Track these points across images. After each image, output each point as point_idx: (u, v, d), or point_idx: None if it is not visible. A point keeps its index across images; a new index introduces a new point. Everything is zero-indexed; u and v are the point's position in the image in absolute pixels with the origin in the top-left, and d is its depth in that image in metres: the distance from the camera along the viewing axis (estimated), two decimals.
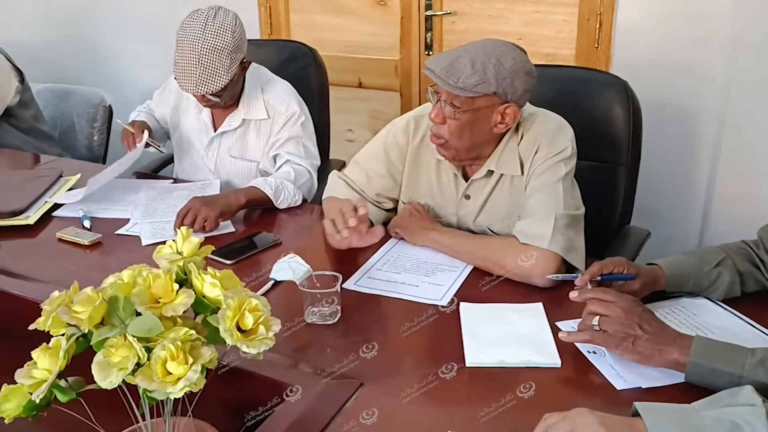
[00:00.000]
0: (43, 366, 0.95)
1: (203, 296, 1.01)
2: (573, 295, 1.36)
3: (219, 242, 1.83)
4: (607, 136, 2.11)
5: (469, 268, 1.66)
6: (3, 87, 2.81)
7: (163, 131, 2.47)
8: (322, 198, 1.97)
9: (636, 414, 1.04)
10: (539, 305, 1.49)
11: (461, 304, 1.50)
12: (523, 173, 1.72)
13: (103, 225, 1.96)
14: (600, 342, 1.28)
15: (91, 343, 0.95)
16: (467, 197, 1.80)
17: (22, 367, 0.96)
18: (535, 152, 1.69)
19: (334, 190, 1.92)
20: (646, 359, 1.24)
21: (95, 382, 0.91)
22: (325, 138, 2.67)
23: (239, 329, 0.97)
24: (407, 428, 1.17)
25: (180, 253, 1.06)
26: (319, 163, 2.30)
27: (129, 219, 2.01)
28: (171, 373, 0.91)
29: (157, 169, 2.58)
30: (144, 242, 1.86)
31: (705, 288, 1.49)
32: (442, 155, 1.74)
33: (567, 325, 1.41)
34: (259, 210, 2.08)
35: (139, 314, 0.95)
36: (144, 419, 0.99)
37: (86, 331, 0.94)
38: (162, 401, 0.96)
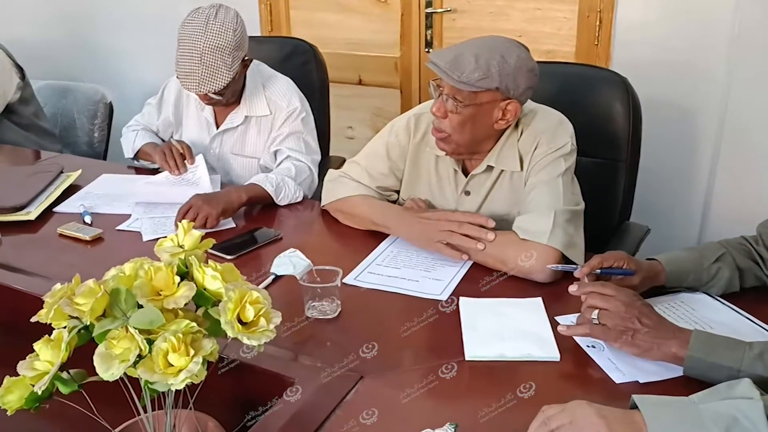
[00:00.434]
0: (45, 358, 0.95)
1: (204, 289, 1.01)
2: (572, 288, 1.37)
3: (220, 237, 1.82)
4: (607, 132, 2.11)
5: (469, 263, 1.66)
6: (4, 84, 2.82)
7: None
8: (324, 201, 1.97)
9: (634, 407, 1.05)
10: (539, 300, 1.50)
11: (461, 298, 1.51)
12: (522, 169, 1.72)
13: (103, 220, 1.97)
14: (599, 335, 1.29)
15: (92, 335, 0.95)
16: (467, 193, 1.81)
17: (24, 360, 0.97)
18: (535, 148, 1.70)
19: (338, 191, 1.91)
20: (644, 353, 1.24)
21: (97, 374, 0.92)
22: (326, 135, 2.67)
23: (240, 321, 0.97)
24: (407, 422, 1.18)
25: (181, 246, 1.07)
26: (319, 158, 2.31)
27: (129, 215, 2.01)
28: (172, 365, 0.92)
29: (158, 168, 2.58)
30: (145, 238, 1.87)
31: (704, 283, 1.49)
32: (442, 149, 1.75)
33: (566, 320, 1.42)
34: (259, 205, 2.09)
35: (140, 306, 0.95)
36: (145, 411, 1.00)
37: (88, 324, 0.95)
38: (163, 393, 0.96)
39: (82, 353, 0.97)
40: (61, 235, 1.90)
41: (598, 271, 1.47)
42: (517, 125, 1.73)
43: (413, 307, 1.50)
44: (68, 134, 3.10)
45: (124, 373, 0.92)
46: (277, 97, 2.26)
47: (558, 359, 1.31)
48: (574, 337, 1.35)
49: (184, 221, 1.10)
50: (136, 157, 2.38)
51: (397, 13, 3.28)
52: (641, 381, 1.24)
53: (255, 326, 0.98)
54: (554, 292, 1.53)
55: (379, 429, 1.15)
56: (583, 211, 1.68)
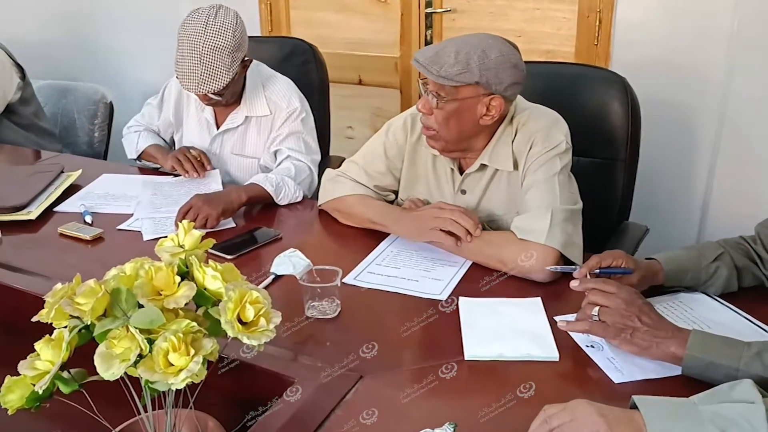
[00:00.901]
0: (46, 357, 0.95)
1: (204, 289, 1.01)
2: (574, 284, 1.37)
3: (220, 237, 1.83)
4: (606, 132, 2.12)
5: (468, 263, 1.67)
6: (4, 83, 2.82)
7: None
8: (321, 200, 1.97)
9: (634, 407, 1.05)
10: (538, 299, 1.50)
11: (460, 298, 1.51)
12: (516, 169, 1.73)
13: (104, 220, 1.97)
14: (598, 332, 1.29)
15: (93, 335, 0.95)
16: (463, 192, 1.81)
17: (25, 359, 0.97)
18: (530, 148, 1.70)
19: (335, 191, 1.92)
20: (643, 351, 1.25)
21: (97, 374, 0.92)
22: (326, 135, 2.67)
23: (240, 321, 0.98)
24: (407, 422, 1.18)
25: (182, 246, 1.07)
26: (319, 158, 2.31)
27: (130, 214, 2.02)
28: (173, 365, 0.92)
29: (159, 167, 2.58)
30: (145, 237, 1.87)
31: (702, 282, 1.49)
32: (432, 146, 1.76)
33: (566, 319, 1.42)
34: (259, 205, 2.09)
35: (141, 306, 0.96)
36: (146, 411, 1.00)
37: (89, 323, 0.95)
38: (164, 393, 0.97)
39: (82, 353, 0.97)
40: (61, 234, 1.90)
41: (597, 271, 1.47)
42: (511, 124, 1.73)
43: (413, 307, 1.50)
44: (68, 134, 3.10)
45: (125, 373, 0.92)
46: (277, 98, 2.26)
47: (557, 359, 1.31)
48: (573, 337, 1.36)
49: (185, 221, 1.10)
50: (140, 157, 2.38)
51: (397, 13, 3.29)
52: (639, 380, 1.24)
53: (255, 326, 0.98)
54: (553, 292, 1.53)
55: (378, 429, 1.15)
56: (581, 210, 1.69)
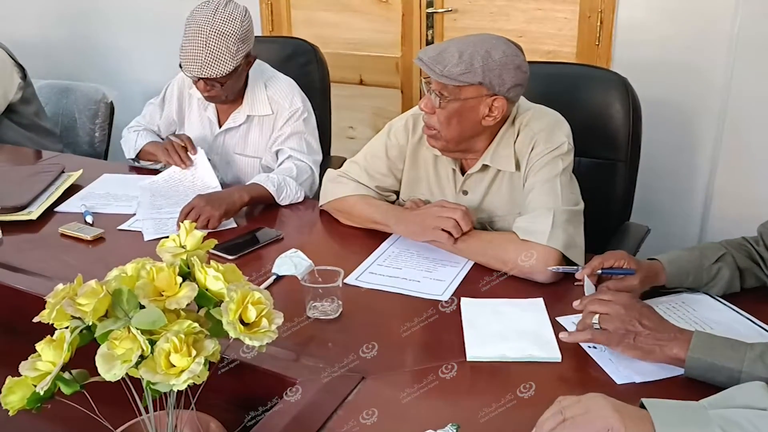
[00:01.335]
0: (47, 358, 0.95)
1: (206, 289, 1.01)
2: (576, 304, 1.36)
3: (221, 238, 1.83)
4: (607, 133, 2.12)
5: (470, 264, 1.67)
6: (5, 83, 2.82)
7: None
8: (322, 200, 1.97)
9: (643, 408, 1.05)
10: (540, 300, 1.50)
11: (462, 299, 1.51)
12: (518, 170, 1.73)
13: (105, 220, 1.97)
14: (601, 340, 1.29)
15: (95, 336, 0.95)
16: (465, 192, 1.81)
17: (26, 360, 0.97)
18: (532, 149, 1.70)
19: (336, 191, 1.91)
20: (646, 355, 1.24)
21: (99, 375, 0.92)
22: (327, 135, 2.67)
23: (242, 322, 0.98)
24: (409, 423, 1.18)
25: (183, 247, 1.07)
26: (320, 158, 2.31)
27: (130, 214, 2.01)
28: (174, 366, 0.92)
29: (160, 168, 2.58)
30: (146, 237, 1.87)
31: (705, 283, 1.49)
32: (433, 146, 1.76)
33: (567, 321, 1.42)
34: (261, 206, 2.09)
35: (142, 307, 0.95)
36: (147, 412, 1.00)
37: (90, 324, 0.95)
38: (165, 394, 0.96)
39: (84, 353, 0.97)
40: (62, 234, 1.90)
41: (599, 271, 1.47)
42: (513, 125, 1.73)
43: (414, 308, 1.50)
44: (69, 134, 3.10)
45: (126, 374, 0.92)
46: (279, 97, 2.26)
47: (559, 360, 1.31)
48: None
49: (187, 221, 1.10)
50: (138, 158, 2.38)
51: (398, 13, 3.28)
52: (641, 381, 1.24)
53: (257, 327, 0.98)
54: (555, 293, 1.53)
55: (380, 430, 1.15)
56: (582, 210, 1.68)
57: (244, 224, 1.97)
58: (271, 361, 1.26)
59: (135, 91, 3.67)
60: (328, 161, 2.50)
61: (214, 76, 2.06)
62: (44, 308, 0.99)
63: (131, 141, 2.39)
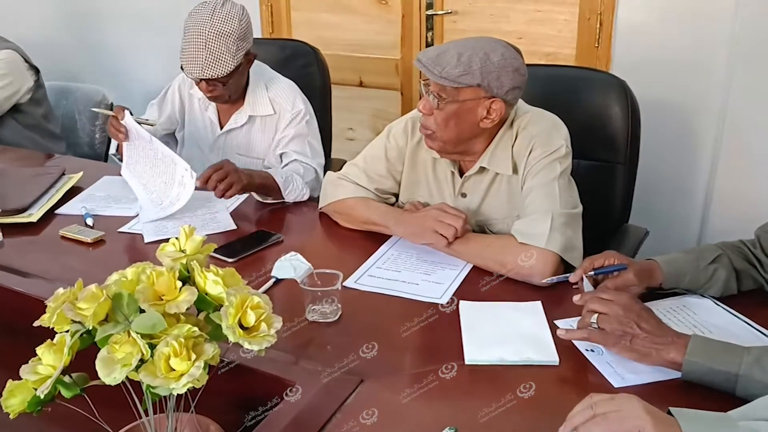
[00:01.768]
0: (48, 362, 0.96)
1: (206, 293, 1.02)
2: (576, 298, 1.37)
3: (221, 240, 1.84)
4: (606, 135, 2.12)
5: (469, 267, 1.67)
6: (17, 84, 2.84)
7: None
8: (322, 203, 1.97)
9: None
10: (538, 303, 1.51)
11: (461, 302, 1.52)
12: (516, 173, 1.73)
13: (105, 222, 1.97)
14: (598, 340, 1.29)
15: (95, 340, 0.96)
16: (463, 195, 1.82)
17: (27, 363, 0.98)
18: (530, 152, 1.70)
19: (336, 193, 1.92)
20: (643, 358, 1.25)
21: (99, 378, 0.92)
22: (327, 137, 2.68)
23: (241, 326, 0.98)
24: (408, 426, 1.19)
25: (183, 251, 1.07)
26: (324, 162, 2.33)
27: (131, 216, 2.02)
28: (174, 370, 0.92)
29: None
30: (147, 239, 1.88)
31: (701, 285, 1.50)
32: (430, 147, 1.77)
33: (566, 324, 1.42)
34: (260, 208, 2.10)
35: (142, 311, 0.96)
36: (147, 415, 1.01)
37: (90, 328, 0.96)
38: (165, 397, 0.97)
39: (84, 357, 0.98)
40: (63, 237, 1.90)
41: (592, 272, 1.48)
42: (512, 128, 1.74)
43: (413, 311, 1.51)
44: (70, 135, 3.11)
45: (126, 377, 0.92)
46: (281, 99, 2.27)
47: (557, 363, 1.31)
48: (573, 341, 1.36)
49: (186, 226, 1.10)
50: (118, 149, 2.30)
51: (398, 15, 3.29)
52: (638, 384, 1.24)
53: (256, 331, 0.99)
54: (554, 297, 1.54)
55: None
56: (581, 214, 1.69)
57: (244, 227, 1.97)
58: (270, 363, 1.27)
59: (136, 92, 3.67)
60: (328, 164, 2.51)
61: (216, 76, 2.07)
62: (45, 311, 0.99)
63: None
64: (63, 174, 2.27)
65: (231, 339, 0.97)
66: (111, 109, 3.02)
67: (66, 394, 0.98)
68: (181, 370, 0.92)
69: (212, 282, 1.02)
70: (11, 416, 0.97)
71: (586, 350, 1.34)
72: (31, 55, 2.96)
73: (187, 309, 0.98)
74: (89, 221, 1.97)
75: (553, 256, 1.57)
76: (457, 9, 3.16)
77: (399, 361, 1.35)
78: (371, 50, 3.42)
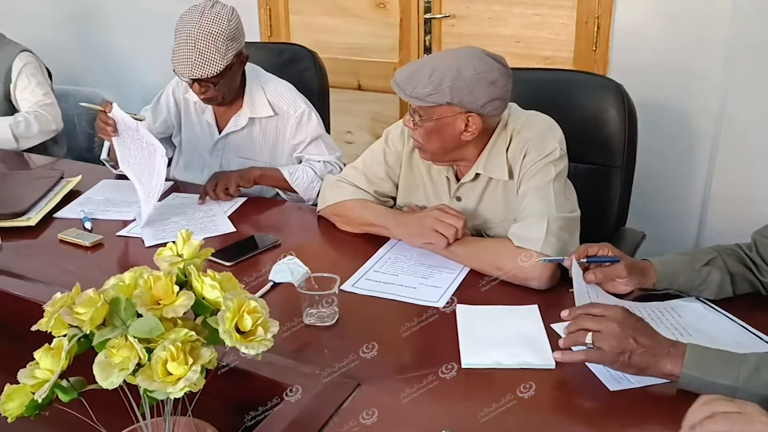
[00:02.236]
0: (45, 366, 0.96)
1: (203, 298, 1.02)
2: (564, 313, 1.33)
3: (219, 244, 1.85)
4: (603, 139, 2.12)
5: (466, 270, 1.68)
6: (43, 84, 2.88)
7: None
8: (320, 205, 1.97)
9: None
10: (535, 307, 1.51)
11: (458, 306, 1.52)
12: (511, 178, 1.74)
13: (103, 226, 1.98)
14: (596, 360, 1.26)
15: (92, 344, 0.96)
16: (458, 199, 1.82)
17: (25, 367, 0.98)
18: (524, 156, 1.71)
19: (335, 196, 1.93)
20: (641, 371, 1.23)
21: (96, 382, 0.93)
22: None
23: (238, 330, 0.99)
24: (406, 428, 1.19)
25: (180, 256, 1.08)
26: (341, 153, 2.39)
27: (129, 220, 2.02)
28: (171, 374, 0.93)
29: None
30: (147, 243, 1.88)
31: (696, 286, 1.50)
32: (422, 157, 1.79)
33: (562, 327, 1.41)
34: (258, 212, 2.10)
35: (140, 315, 0.96)
36: (144, 419, 1.01)
37: (88, 332, 0.96)
38: (162, 401, 0.97)
39: (81, 361, 0.98)
40: (61, 240, 1.91)
41: (584, 260, 1.49)
42: (506, 131, 1.74)
43: (411, 313, 1.51)
44: (68, 139, 3.11)
45: (124, 381, 0.93)
46: (281, 102, 2.28)
47: (553, 367, 1.32)
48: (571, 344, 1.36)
49: (183, 231, 1.11)
50: (108, 155, 2.34)
51: (396, 19, 3.30)
52: (635, 387, 1.25)
53: (253, 335, 0.99)
54: (550, 300, 1.54)
55: None
56: (578, 218, 1.69)
57: (243, 229, 1.98)
58: (267, 367, 1.27)
59: (135, 95, 3.68)
60: None
61: (206, 76, 2.08)
62: (43, 315, 1.00)
63: (107, 144, 2.37)
64: (62, 178, 2.28)
65: (228, 343, 0.97)
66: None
67: (64, 398, 0.98)
68: (178, 374, 0.93)
69: (209, 286, 1.02)
70: (9, 420, 0.98)
71: None
72: None
73: (185, 313, 0.99)
74: (87, 225, 1.97)
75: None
76: (454, 13, 3.17)
77: (397, 364, 1.36)
78: (369, 54, 3.43)
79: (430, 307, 1.53)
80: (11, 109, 2.91)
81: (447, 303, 1.55)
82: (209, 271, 1.04)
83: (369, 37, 3.40)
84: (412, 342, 1.43)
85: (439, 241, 1.68)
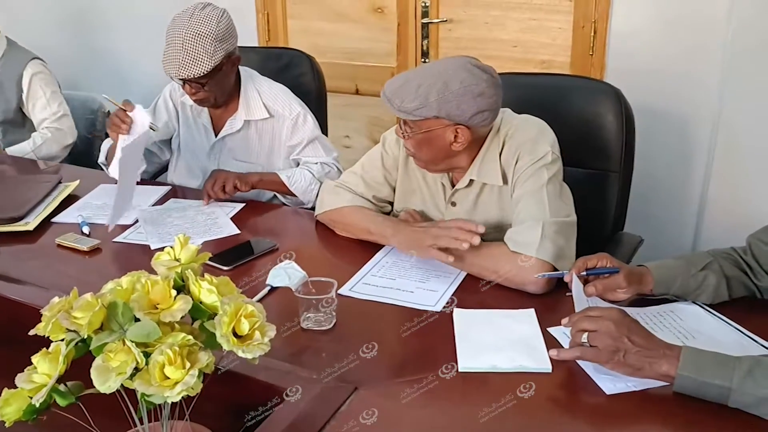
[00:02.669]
0: (43, 371, 0.97)
1: (200, 302, 1.03)
2: (564, 321, 1.35)
3: (223, 246, 1.85)
4: (600, 144, 2.13)
5: (463, 275, 1.68)
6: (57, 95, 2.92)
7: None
8: (318, 211, 1.98)
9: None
10: (531, 311, 1.51)
11: (455, 310, 1.52)
12: (505, 183, 1.74)
13: (101, 231, 1.98)
14: (590, 358, 1.28)
15: (90, 348, 0.97)
16: (453, 204, 1.83)
17: (22, 371, 0.98)
18: (516, 161, 1.71)
19: (333, 202, 1.93)
20: (636, 372, 1.24)
21: (94, 387, 0.93)
22: None
23: (235, 335, 0.99)
24: (406, 429, 1.19)
25: (178, 260, 1.08)
26: (337, 153, 2.40)
27: (127, 225, 2.02)
28: (169, 378, 0.93)
29: (156, 175, 2.59)
30: (153, 247, 1.88)
31: (692, 291, 1.50)
32: (417, 165, 1.81)
33: (559, 331, 1.43)
34: (256, 216, 2.11)
35: (137, 320, 0.97)
36: (142, 423, 1.01)
37: (85, 337, 0.96)
38: (160, 405, 0.98)
39: (79, 365, 0.98)
40: (59, 245, 1.91)
41: (584, 273, 1.49)
42: (498, 137, 1.75)
43: (408, 317, 1.52)
44: None
45: (121, 385, 0.93)
46: (276, 104, 2.29)
47: (550, 370, 1.32)
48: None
49: (181, 235, 1.11)
50: (106, 158, 2.34)
51: (394, 23, 3.30)
52: (631, 391, 1.25)
53: (250, 339, 0.99)
54: (547, 304, 1.54)
55: None
56: (575, 223, 1.69)
57: (240, 235, 1.98)
58: (265, 371, 1.27)
59: (133, 99, 3.67)
60: None
61: (193, 76, 2.08)
62: (40, 319, 1.00)
63: (105, 147, 2.38)
64: (60, 182, 2.28)
65: (225, 347, 0.98)
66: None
67: (61, 402, 0.98)
68: (175, 378, 0.93)
69: (207, 290, 1.02)
70: (7, 424, 0.98)
71: None
72: None
73: (182, 317, 0.99)
74: (85, 230, 1.98)
75: (544, 265, 1.57)
76: (452, 17, 3.18)
77: (396, 366, 1.36)
78: (367, 58, 3.43)
79: (427, 311, 1.54)
80: (22, 118, 2.94)
81: (447, 303, 1.55)
82: (206, 276, 1.05)
83: (366, 41, 3.41)
84: (411, 344, 1.44)
85: (438, 256, 1.66)
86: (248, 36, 3.52)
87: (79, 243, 1.89)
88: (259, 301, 1.56)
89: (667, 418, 1.20)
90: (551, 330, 1.44)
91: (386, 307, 1.57)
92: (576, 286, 1.47)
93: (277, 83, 2.36)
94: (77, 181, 2.29)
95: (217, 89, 2.19)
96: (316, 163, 2.31)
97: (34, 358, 0.98)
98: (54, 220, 2.08)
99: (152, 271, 1.06)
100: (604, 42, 2.86)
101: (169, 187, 2.32)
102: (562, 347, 1.36)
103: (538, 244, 1.58)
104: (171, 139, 2.48)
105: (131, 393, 0.96)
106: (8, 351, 1.20)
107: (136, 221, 2.05)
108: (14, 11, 4.05)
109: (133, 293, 1.00)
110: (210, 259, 1.71)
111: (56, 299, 1.01)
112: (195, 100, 2.22)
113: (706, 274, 1.49)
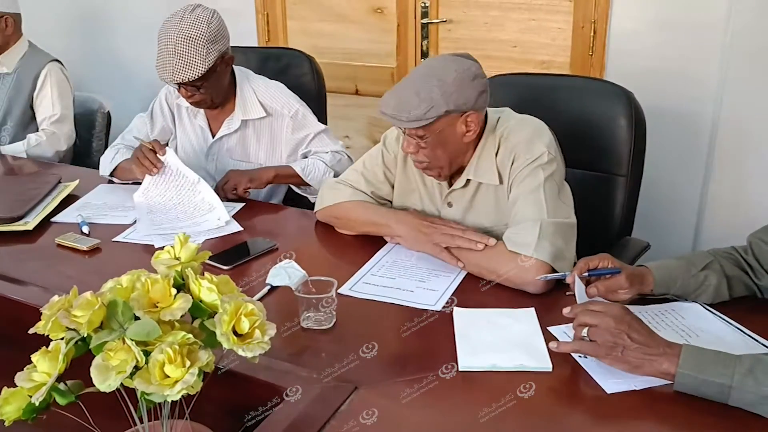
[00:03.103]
0: (43, 369, 0.97)
1: (200, 301, 1.02)
2: (566, 310, 1.37)
3: (224, 245, 1.85)
4: (610, 146, 2.09)
5: (463, 274, 1.68)
6: (67, 97, 2.95)
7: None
8: (318, 207, 1.98)
9: None
10: (531, 310, 1.51)
11: (455, 309, 1.52)
12: (502, 183, 1.74)
13: (101, 231, 1.98)
14: (589, 351, 1.29)
15: (90, 347, 0.96)
16: (450, 204, 1.83)
17: (22, 370, 0.98)
18: (512, 161, 1.71)
19: (334, 197, 1.93)
20: (635, 369, 1.25)
21: (94, 385, 0.93)
22: None
23: (235, 333, 0.99)
24: (406, 429, 1.19)
25: (178, 259, 1.08)
26: (342, 143, 2.40)
27: (127, 225, 2.02)
28: (168, 376, 0.93)
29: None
30: (156, 245, 1.87)
31: (692, 290, 1.50)
32: (431, 176, 1.80)
33: (559, 330, 1.43)
34: (256, 215, 2.11)
35: (137, 318, 0.97)
36: (142, 422, 1.01)
37: (85, 335, 0.96)
38: (159, 404, 0.98)
39: (79, 364, 0.98)
40: (58, 245, 1.91)
41: (586, 273, 1.49)
42: (494, 136, 1.75)
43: (408, 317, 1.51)
44: None
45: (121, 384, 0.93)
46: (273, 102, 2.29)
47: (550, 369, 1.32)
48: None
49: (181, 234, 1.11)
50: (113, 174, 2.34)
51: (393, 24, 3.31)
52: (632, 390, 1.25)
53: (250, 338, 0.99)
54: (547, 302, 1.54)
55: None
56: (574, 225, 1.68)
57: (240, 234, 1.98)
58: (264, 370, 1.27)
59: (132, 100, 3.66)
60: None
61: (187, 79, 2.08)
62: (40, 319, 1.00)
63: (108, 158, 2.36)
64: (59, 182, 2.28)
65: (225, 346, 0.97)
66: (109, 120, 3.07)
67: (61, 401, 0.98)
68: (175, 377, 0.93)
69: (207, 289, 1.02)
70: (6, 423, 0.98)
71: (580, 356, 1.34)
72: None
73: (182, 316, 0.99)
74: (85, 229, 1.97)
75: (542, 265, 1.56)
76: (452, 18, 3.18)
77: (396, 365, 1.36)
78: (367, 59, 3.43)
79: (427, 310, 1.53)
80: (33, 116, 2.94)
81: (447, 303, 1.55)
82: (206, 274, 1.05)
83: (366, 42, 3.41)
84: (411, 344, 1.44)
85: (443, 256, 1.68)
86: (248, 36, 3.52)
87: (79, 243, 1.89)
88: (259, 300, 1.56)
89: (668, 417, 1.20)
90: (551, 329, 1.44)
91: (386, 306, 1.57)
92: (578, 287, 1.47)
93: (273, 81, 2.36)
94: (77, 181, 2.29)
95: (212, 91, 2.19)
96: (327, 153, 2.32)
97: (34, 357, 0.98)
98: (53, 219, 2.07)
99: (152, 270, 1.06)
100: (604, 42, 2.86)
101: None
102: None
103: (535, 244, 1.58)
104: (168, 142, 2.47)
105: (131, 392, 0.96)
106: (8, 351, 1.20)
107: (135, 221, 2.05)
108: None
109: (133, 292, 0.99)
110: (210, 259, 1.71)
111: (56, 298, 1.00)
112: (191, 103, 2.22)
113: (706, 273, 1.49)
